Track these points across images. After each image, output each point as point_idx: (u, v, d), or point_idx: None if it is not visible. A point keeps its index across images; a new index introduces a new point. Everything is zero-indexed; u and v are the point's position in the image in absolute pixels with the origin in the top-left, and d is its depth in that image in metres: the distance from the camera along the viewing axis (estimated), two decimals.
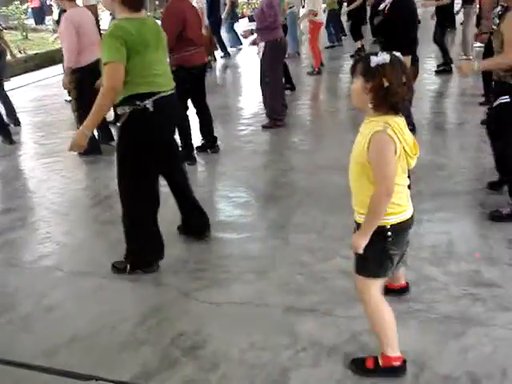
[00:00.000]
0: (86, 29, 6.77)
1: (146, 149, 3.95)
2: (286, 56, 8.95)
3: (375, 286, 2.91)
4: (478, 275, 3.90)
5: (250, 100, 9.90)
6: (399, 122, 2.67)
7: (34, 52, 15.74)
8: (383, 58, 2.56)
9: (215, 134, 7.07)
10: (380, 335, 2.98)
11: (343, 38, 16.12)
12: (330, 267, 4.09)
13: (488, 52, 7.00)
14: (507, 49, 4.39)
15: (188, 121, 6.62)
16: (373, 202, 2.72)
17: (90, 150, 6.85)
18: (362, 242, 2.77)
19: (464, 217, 4.77)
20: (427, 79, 10.26)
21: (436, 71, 10.98)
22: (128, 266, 4.19)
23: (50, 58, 14.75)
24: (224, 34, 15.23)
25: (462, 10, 11.79)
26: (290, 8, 13.07)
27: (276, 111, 8.11)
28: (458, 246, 4.31)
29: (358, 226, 2.88)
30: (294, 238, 4.58)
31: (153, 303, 3.80)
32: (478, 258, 4.12)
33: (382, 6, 5.68)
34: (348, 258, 4.15)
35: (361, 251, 2.78)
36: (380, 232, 2.77)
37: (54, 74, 13.21)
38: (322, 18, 12.39)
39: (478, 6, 10.68)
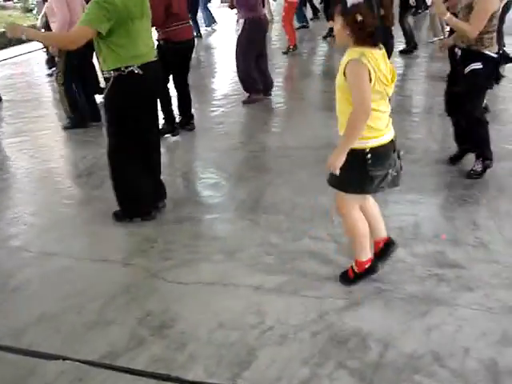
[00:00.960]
0: (75, 3, 6.89)
1: (135, 108, 4.27)
2: None
3: (354, 202, 3.41)
4: (443, 256, 3.96)
5: (223, 81, 9.85)
6: (375, 52, 3.07)
7: (2, 30, 15.42)
8: None
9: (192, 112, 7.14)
10: (355, 242, 3.55)
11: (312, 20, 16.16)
12: (298, 248, 4.12)
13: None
14: (473, 21, 4.67)
15: (169, 94, 6.77)
16: (350, 120, 3.09)
17: (77, 123, 7.20)
18: (338, 161, 3.13)
19: (431, 199, 4.83)
20: (396, 62, 10.29)
21: (400, 51, 11.06)
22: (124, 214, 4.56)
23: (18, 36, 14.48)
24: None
25: None
26: None
27: (250, 86, 8.16)
28: (424, 227, 4.37)
29: None
30: (263, 219, 4.60)
31: (121, 283, 3.79)
32: (443, 239, 4.18)
33: None
34: (316, 238, 4.20)
35: (337, 171, 3.16)
36: (360, 155, 3.16)
37: (22, 53, 13.04)
38: None
39: None
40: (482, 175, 5.17)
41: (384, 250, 3.68)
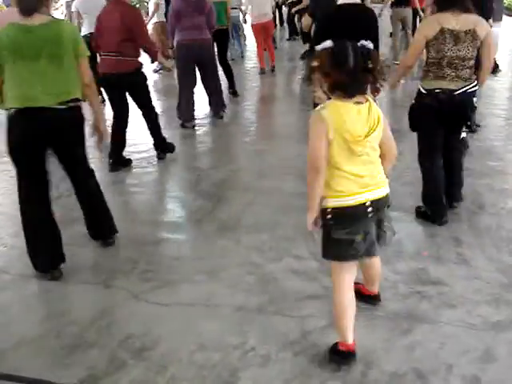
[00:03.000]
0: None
1: (14, 150, 4.01)
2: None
3: (340, 271, 3.03)
4: (425, 273, 3.96)
5: (201, 100, 9.87)
6: (347, 105, 2.75)
7: None
8: (326, 44, 2.74)
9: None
10: (335, 318, 3.11)
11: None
12: (280, 267, 4.10)
13: None
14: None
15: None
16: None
17: None
18: (308, 219, 2.93)
19: (412, 216, 4.84)
20: None
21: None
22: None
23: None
24: None
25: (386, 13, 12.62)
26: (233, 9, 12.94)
27: (180, 112, 8.18)
28: (406, 245, 4.37)
29: None
30: (244, 239, 4.58)
31: (102, 305, 3.75)
32: (425, 256, 4.19)
33: None
34: (299, 257, 4.19)
35: (309, 228, 2.95)
36: (323, 215, 2.91)
37: None
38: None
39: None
40: None
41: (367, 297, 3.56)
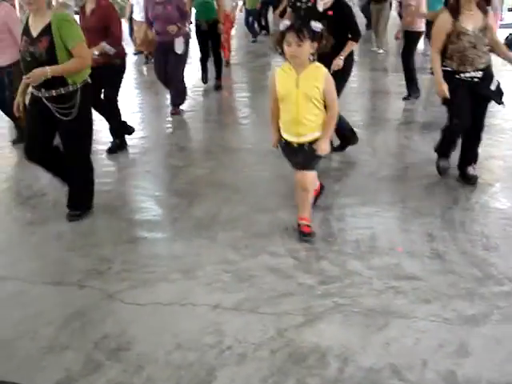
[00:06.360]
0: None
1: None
2: None
3: None
4: (399, 269, 3.99)
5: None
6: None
7: None
8: (317, 25, 3.88)
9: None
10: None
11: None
12: (256, 264, 4.10)
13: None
14: None
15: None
16: None
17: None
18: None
19: (386, 212, 4.87)
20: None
21: None
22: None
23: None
24: None
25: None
26: None
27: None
28: (380, 240, 4.40)
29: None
30: (220, 236, 4.56)
31: (76, 306, 3.71)
32: (400, 251, 4.21)
33: (321, 9, 5.67)
34: (274, 254, 4.19)
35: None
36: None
37: None
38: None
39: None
40: None
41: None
